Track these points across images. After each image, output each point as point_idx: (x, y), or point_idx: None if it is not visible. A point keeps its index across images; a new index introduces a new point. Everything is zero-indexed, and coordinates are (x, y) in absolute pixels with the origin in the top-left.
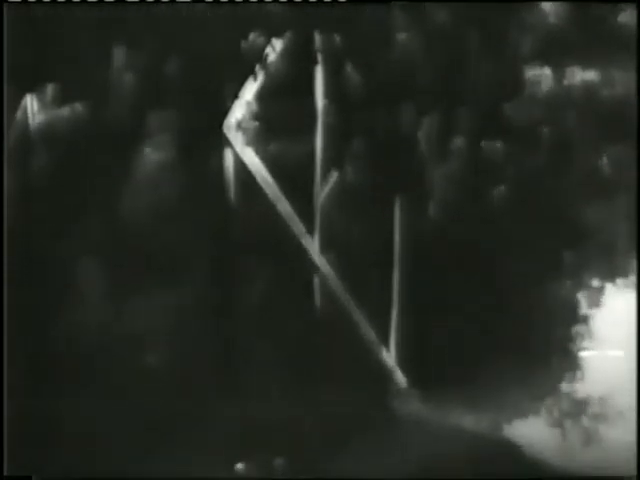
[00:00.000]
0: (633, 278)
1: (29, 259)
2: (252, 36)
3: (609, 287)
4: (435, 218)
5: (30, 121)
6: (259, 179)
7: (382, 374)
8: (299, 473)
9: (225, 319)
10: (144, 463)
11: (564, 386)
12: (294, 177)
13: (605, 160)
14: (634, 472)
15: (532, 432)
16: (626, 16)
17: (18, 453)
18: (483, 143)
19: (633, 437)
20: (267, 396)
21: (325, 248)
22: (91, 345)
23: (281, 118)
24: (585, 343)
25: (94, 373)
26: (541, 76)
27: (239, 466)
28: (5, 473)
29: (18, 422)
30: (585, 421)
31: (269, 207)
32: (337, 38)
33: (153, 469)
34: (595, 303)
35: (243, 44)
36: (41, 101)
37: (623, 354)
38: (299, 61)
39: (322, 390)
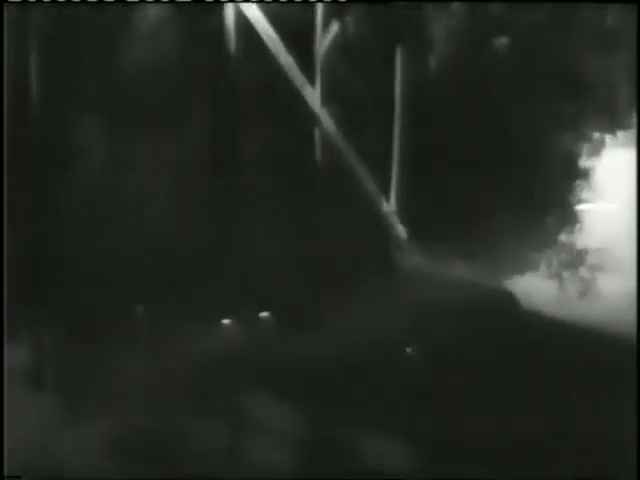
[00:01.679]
0: (633, 131)
1: (28, 115)
2: None
3: (609, 140)
4: (436, 70)
5: None
6: (260, 31)
7: (382, 226)
8: (288, 326)
9: (224, 171)
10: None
11: (563, 238)
12: (294, 28)
13: (607, 12)
14: (633, 329)
15: (530, 284)
16: None
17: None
18: None
19: (629, 287)
20: (263, 248)
21: (326, 99)
22: (91, 201)
23: None
24: (584, 195)
25: (94, 228)
26: None
27: (225, 321)
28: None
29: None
30: (583, 272)
31: (270, 59)
32: None
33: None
34: (595, 156)
35: None
36: None
37: (621, 207)
38: None
39: (321, 242)
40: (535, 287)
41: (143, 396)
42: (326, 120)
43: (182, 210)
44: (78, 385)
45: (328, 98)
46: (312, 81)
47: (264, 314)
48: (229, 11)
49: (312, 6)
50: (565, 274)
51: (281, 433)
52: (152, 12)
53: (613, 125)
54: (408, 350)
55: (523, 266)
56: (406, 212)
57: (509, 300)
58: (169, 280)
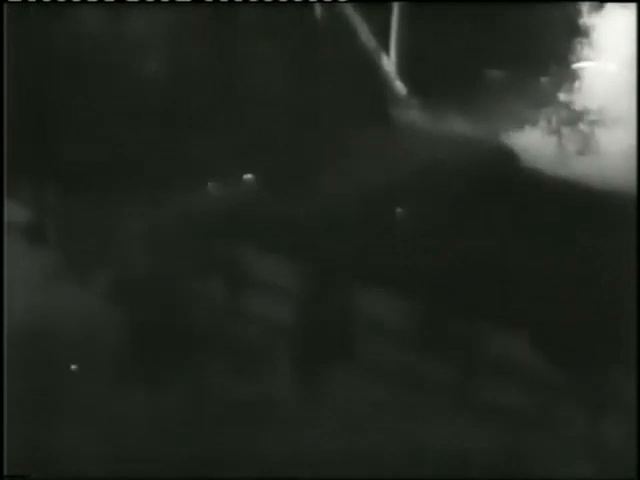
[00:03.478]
0: None
1: None
2: None
3: None
4: None
5: None
6: None
7: (382, 82)
8: (278, 185)
9: (221, 33)
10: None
11: (562, 96)
12: None
13: None
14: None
15: (529, 140)
16: None
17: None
18: None
19: (628, 142)
20: (258, 107)
21: None
22: (87, 56)
23: None
24: (584, 54)
25: (91, 83)
26: None
27: (210, 185)
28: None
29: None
30: (582, 128)
31: None
32: None
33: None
34: (596, 14)
35: None
36: None
37: (621, 65)
38: None
39: (319, 99)
40: (534, 143)
41: (140, 250)
42: None
43: (182, 70)
44: (77, 237)
45: None
46: None
47: (248, 176)
48: None
49: None
50: (565, 130)
51: (271, 286)
52: None
53: None
54: (398, 210)
55: (522, 122)
56: (406, 68)
57: (508, 156)
58: (156, 141)
